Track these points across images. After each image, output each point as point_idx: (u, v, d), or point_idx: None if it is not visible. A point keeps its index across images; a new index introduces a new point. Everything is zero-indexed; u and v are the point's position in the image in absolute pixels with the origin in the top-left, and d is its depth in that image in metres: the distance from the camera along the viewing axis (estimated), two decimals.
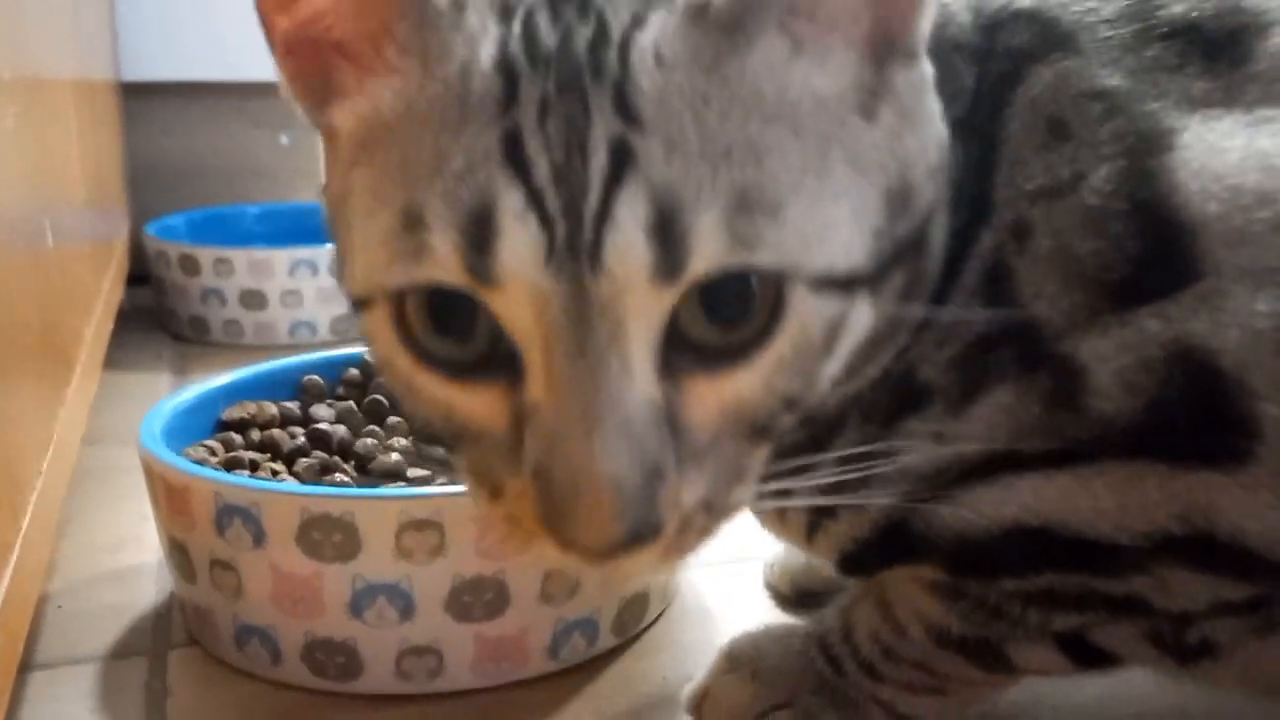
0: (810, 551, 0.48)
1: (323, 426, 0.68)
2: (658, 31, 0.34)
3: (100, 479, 0.80)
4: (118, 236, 1.09)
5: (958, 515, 0.41)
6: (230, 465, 0.63)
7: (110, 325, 0.93)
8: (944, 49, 0.41)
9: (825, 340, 0.36)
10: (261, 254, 1.10)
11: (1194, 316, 0.37)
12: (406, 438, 0.68)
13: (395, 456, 0.66)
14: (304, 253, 1.10)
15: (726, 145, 0.34)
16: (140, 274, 1.20)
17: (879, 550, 0.44)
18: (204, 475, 0.55)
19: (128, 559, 0.70)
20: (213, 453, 0.64)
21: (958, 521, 0.41)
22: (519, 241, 0.33)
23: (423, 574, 0.53)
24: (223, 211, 1.28)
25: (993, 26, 0.42)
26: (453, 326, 0.36)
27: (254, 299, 1.10)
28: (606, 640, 0.59)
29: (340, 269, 0.40)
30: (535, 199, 0.33)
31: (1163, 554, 0.40)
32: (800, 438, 0.41)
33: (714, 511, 0.37)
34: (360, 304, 0.38)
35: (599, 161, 0.33)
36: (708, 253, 0.33)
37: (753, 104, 0.34)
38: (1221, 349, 0.37)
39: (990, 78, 0.42)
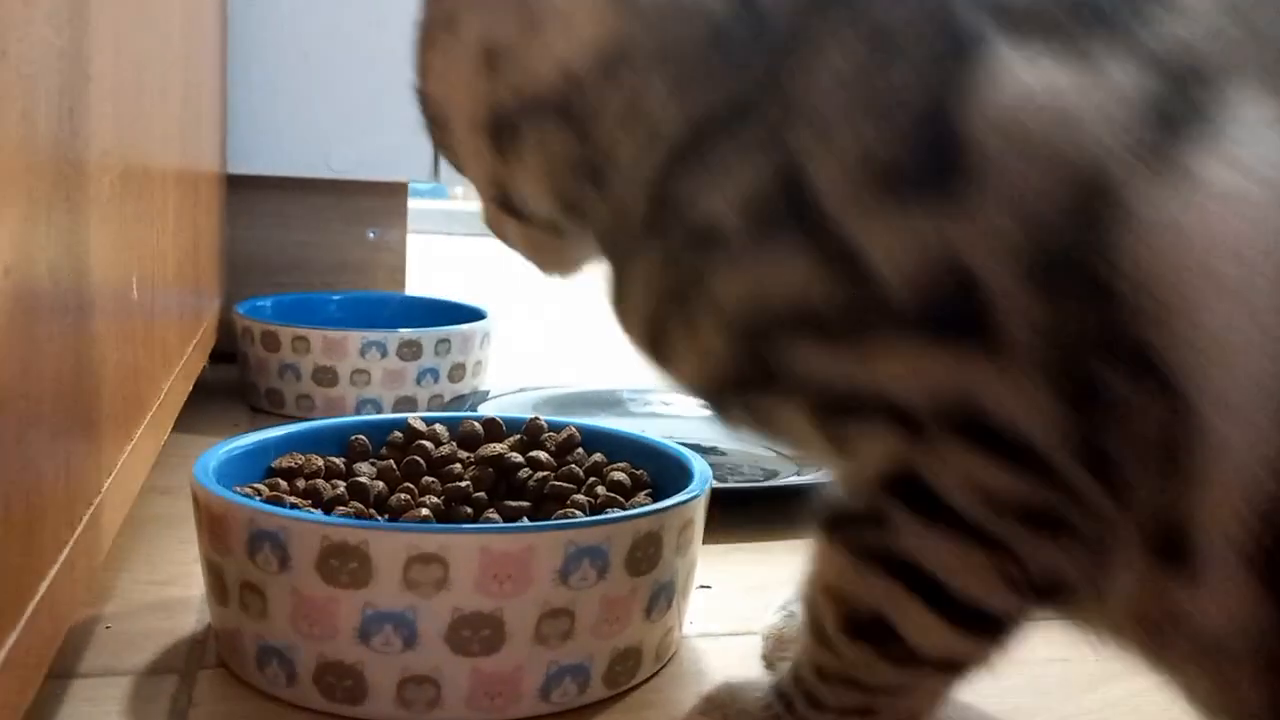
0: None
1: (362, 480, 0.74)
2: None
3: (166, 524, 0.87)
4: (207, 312, 1.18)
5: (806, 364, 0.46)
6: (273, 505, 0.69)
7: (188, 387, 1.00)
8: None
9: None
10: (336, 334, 1.18)
11: (957, 222, 0.42)
12: (438, 496, 0.73)
13: (425, 511, 0.71)
14: (375, 335, 1.18)
15: None
16: (229, 351, 1.29)
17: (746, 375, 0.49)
18: (240, 502, 0.61)
19: (177, 592, 0.76)
20: (259, 493, 0.70)
21: (804, 369, 0.47)
22: None
23: (426, 606, 0.58)
24: (309, 297, 1.37)
25: None
26: None
27: (326, 375, 1.17)
28: (598, 689, 0.63)
29: None
30: None
31: (953, 429, 0.44)
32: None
33: None
34: None
35: None
36: None
37: None
38: (972, 254, 0.42)
39: None
